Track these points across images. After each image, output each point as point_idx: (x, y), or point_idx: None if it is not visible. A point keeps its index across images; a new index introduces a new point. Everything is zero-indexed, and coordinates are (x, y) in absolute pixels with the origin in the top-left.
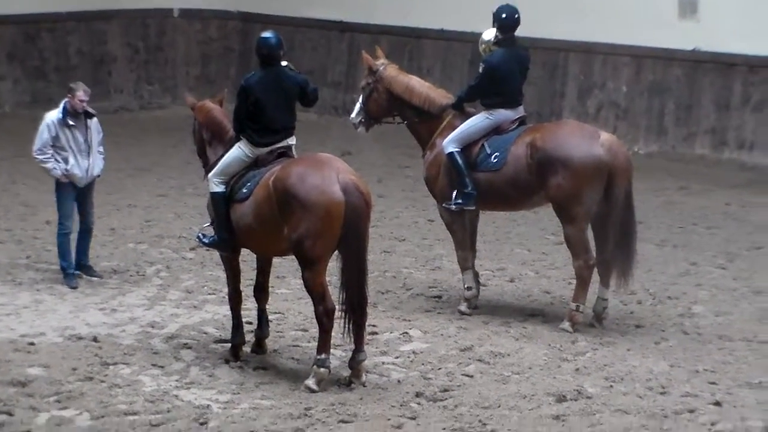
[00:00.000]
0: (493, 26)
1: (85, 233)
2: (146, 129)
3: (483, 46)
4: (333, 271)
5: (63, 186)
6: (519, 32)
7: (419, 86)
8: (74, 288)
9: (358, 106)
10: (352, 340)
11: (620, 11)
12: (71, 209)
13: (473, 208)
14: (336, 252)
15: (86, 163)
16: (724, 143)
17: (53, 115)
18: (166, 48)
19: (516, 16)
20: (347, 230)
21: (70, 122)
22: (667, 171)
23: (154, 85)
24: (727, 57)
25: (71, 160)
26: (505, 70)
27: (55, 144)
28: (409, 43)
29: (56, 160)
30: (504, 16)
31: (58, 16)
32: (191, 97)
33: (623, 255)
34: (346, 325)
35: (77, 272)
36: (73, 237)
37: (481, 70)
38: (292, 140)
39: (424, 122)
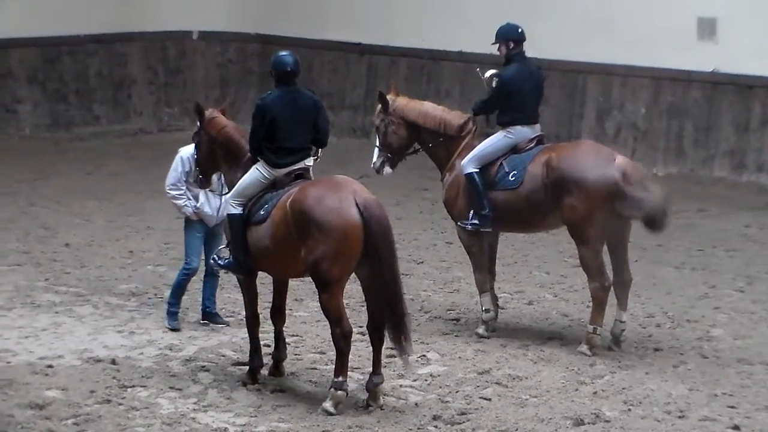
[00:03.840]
0: (496, 43)
1: (212, 276)
2: (166, 151)
3: (487, 78)
4: (350, 293)
5: (192, 224)
6: (538, 54)
7: (433, 110)
8: (175, 330)
9: (376, 150)
10: (400, 359)
11: (639, 33)
12: (199, 248)
13: (489, 229)
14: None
15: (217, 202)
16: (743, 165)
17: (187, 150)
18: (185, 70)
19: (520, 30)
20: (376, 247)
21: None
22: (686, 193)
23: (173, 108)
24: (746, 79)
25: (201, 198)
26: (518, 84)
27: (187, 179)
28: (428, 66)
29: (188, 197)
30: (510, 30)
31: (78, 39)
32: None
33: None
34: (393, 340)
35: (203, 321)
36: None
37: (493, 84)
38: (309, 161)
39: (442, 145)
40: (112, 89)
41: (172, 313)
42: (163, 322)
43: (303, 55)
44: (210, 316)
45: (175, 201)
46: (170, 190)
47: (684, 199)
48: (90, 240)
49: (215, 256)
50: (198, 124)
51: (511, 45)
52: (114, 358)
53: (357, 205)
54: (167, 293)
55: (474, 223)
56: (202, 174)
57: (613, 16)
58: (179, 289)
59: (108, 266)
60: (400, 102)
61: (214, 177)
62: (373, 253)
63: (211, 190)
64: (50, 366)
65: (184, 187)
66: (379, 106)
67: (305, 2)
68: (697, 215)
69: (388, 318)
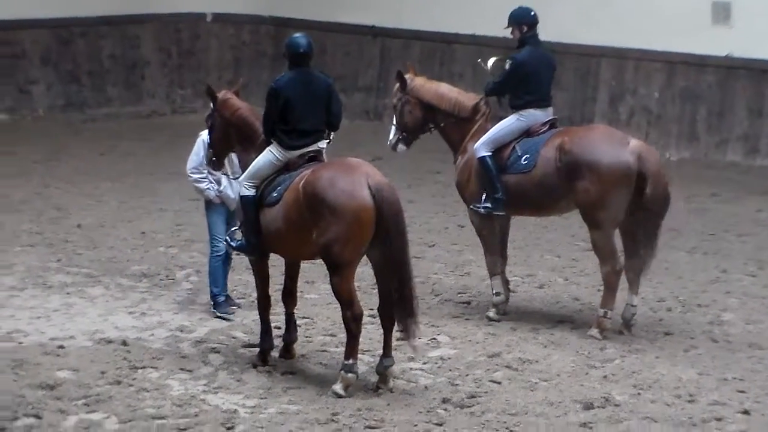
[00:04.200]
0: (509, 27)
1: (227, 258)
2: (178, 133)
3: (491, 67)
4: (362, 276)
5: (214, 207)
6: (551, 37)
7: (448, 91)
8: (226, 318)
9: (393, 127)
10: (408, 343)
11: (653, 17)
12: (223, 231)
13: (502, 213)
14: (374, 256)
15: (238, 185)
16: (756, 150)
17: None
18: (198, 52)
19: (533, 13)
20: (387, 230)
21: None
22: (699, 178)
23: (186, 90)
24: (761, 63)
25: (224, 182)
26: (532, 67)
27: (209, 163)
28: (441, 49)
29: (210, 180)
30: (524, 14)
31: (91, 21)
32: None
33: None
34: (400, 323)
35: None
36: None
37: (507, 67)
38: (322, 144)
39: (456, 126)
40: (125, 71)
41: (220, 302)
42: (213, 313)
43: (316, 38)
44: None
45: (197, 185)
46: (192, 173)
47: (697, 184)
48: (102, 221)
49: (228, 237)
50: (211, 106)
51: (525, 29)
52: (125, 339)
53: (369, 187)
54: (179, 274)
55: (487, 207)
56: (215, 156)
57: (627, 0)
58: (216, 274)
59: (120, 247)
60: (417, 82)
61: (234, 157)
62: (384, 236)
63: (226, 174)
64: (61, 347)
65: (206, 171)
66: (397, 85)
67: None
68: (709, 200)
69: (397, 301)
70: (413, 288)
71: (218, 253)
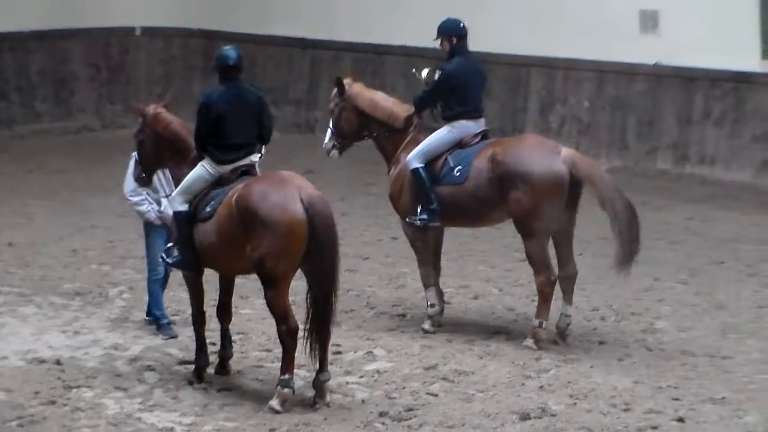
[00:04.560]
0: (438, 38)
1: (164, 279)
2: (109, 148)
3: (425, 77)
4: (296, 290)
5: (154, 229)
6: (481, 47)
7: (383, 101)
8: (171, 337)
9: (329, 131)
10: (317, 360)
11: (582, 26)
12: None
13: (437, 224)
14: (305, 270)
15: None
16: (686, 158)
17: None
18: (128, 67)
19: (462, 24)
20: (317, 245)
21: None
22: (629, 186)
23: (116, 105)
24: (689, 71)
25: (164, 202)
26: (461, 78)
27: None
28: (372, 60)
29: (149, 201)
30: (453, 25)
31: (19, 35)
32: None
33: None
34: (311, 345)
35: (149, 318)
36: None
37: (436, 77)
38: (255, 157)
39: (389, 137)
40: (54, 86)
41: (163, 325)
42: (159, 336)
43: (246, 50)
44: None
45: (137, 208)
46: (131, 196)
47: (627, 192)
48: (33, 239)
49: (163, 254)
50: (140, 122)
51: (454, 40)
52: (58, 358)
53: (302, 201)
54: (113, 292)
55: (423, 218)
56: (145, 172)
57: (556, 9)
58: (155, 298)
59: (51, 266)
60: (355, 89)
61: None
62: (316, 250)
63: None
64: None
65: (144, 193)
66: (335, 90)
67: None
68: (640, 208)
69: (315, 316)
70: (334, 308)
71: (157, 277)
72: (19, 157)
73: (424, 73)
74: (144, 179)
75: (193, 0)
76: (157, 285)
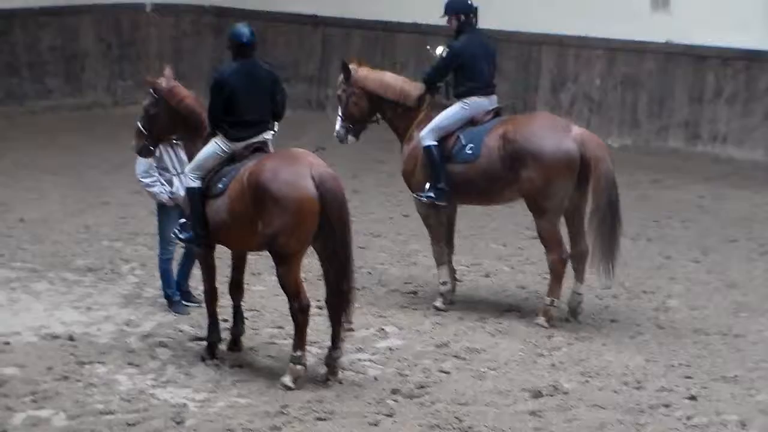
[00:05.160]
0: (445, 16)
1: (189, 256)
2: (120, 125)
3: (439, 54)
4: (308, 267)
5: (167, 210)
6: (492, 25)
7: (393, 80)
8: (183, 314)
9: (338, 119)
10: (332, 336)
11: (593, 4)
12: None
13: (444, 203)
14: (317, 247)
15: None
16: (697, 136)
17: None
18: (138, 43)
19: (470, 2)
20: (329, 222)
21: (174, 140)
22: (641, 164)
23: (127, 81)
24: (700, 50)
25: (176, 182)
26: (469, 55)
27: (159, 165)
28: (383, 38)
29: (161, 182)
30: (460, 2)
31: (30, 12)
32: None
33: (605, 244)
34: (333, 314)
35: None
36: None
37: (443, 54)
38: (268, 134)
39: (402, 115)
40: (64, 62)
41: (175, 302)
42: (171, 313)
43: (257, 28)
44: (184, 293)
45: (149, 189)
46: (143, 178)
47: (638, 171)
48: (45, 215)
49: (176, 229)
50: (153, 95)
51: (462, 17)
52: (71, 334)
53: (313, 178)
54: (125, 268)
55: (430, 196)
56: (152, 145)
57: None
58: (166, 276)
59: (63, 242)
60: (362, 73)
61: (183, 155)
62: (327, 227)
63: (164, 169)
64: (7, 343)
65: (156, 174)
66: (341, 76)
67: None
68: (652, 186)
69: (333, 291)
70: (352, 281)
71: (168, 256)
72: (30, 133)
73: (439, 50)
74: (148, 150)
75: None
76: (167, 263)
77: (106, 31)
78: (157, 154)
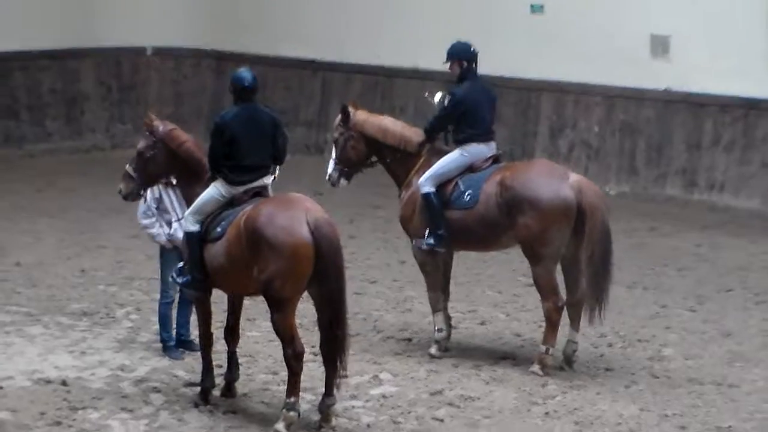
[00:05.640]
0: (448, 62)
1: (187, 302)
2: (119, 168)
3: (437, 101)
4: (303, 312)
5: (167, 252)
6: (492, 71)
7: (393, 125)
8: (177, 359)
9: (332, 162)
10: (326, 384)
11: (592, 51)
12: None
13: (443, 249)
14: (312, 293)
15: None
16: (695, 184)
17: None
18: (138, 86)
19: (472, 48)
20: (324, 268)
21: (167, 183)
22: (638, 212)
23: (126, 124)
24: (698, 97)
25: (175, 225)
26: (471, 102)
27: (159, 206)
28: (382, 82)
29: (160, 224)
30: (463, 49)
31: (30, 55)
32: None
33: (596, 293)
34: (326, 366)
35: (180, 349)
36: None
37: (445, 102)
38: (268, 179)
39: (401, 161)
40: (65, 105)
41: (170, 347)
42: (165, 356)
43: (258, 72)
44: (185, 343)
45: (147, 231)
46: (142, 219)
47: (636, 218)
48: (41, 259)
49: (174, 273)
50: (152, 136)
51: (464, 64)
52: (65, 379)
53: (308, 223)
54: (120, 312)
55: (430, 243)
56: (143, 188)
57: (567, 34)
58: (164, 320)
59: (59, 285)
60: (360, 116)
61: (166, 196)
62: (322, 273)
63: (164, 210)
64: (0, 387)
65: (155, 216)
66: (339, 118)
67: (260, 18)
68: (649, 234)
69: (327, 337)
70: (346, 328)
71: (168, 300)
72: (28, 176)
73: (437, 97)
74: (137, 195)
75: (205, 20)
76: (166, 308)
77: (107, 74)
78: (157, 195)
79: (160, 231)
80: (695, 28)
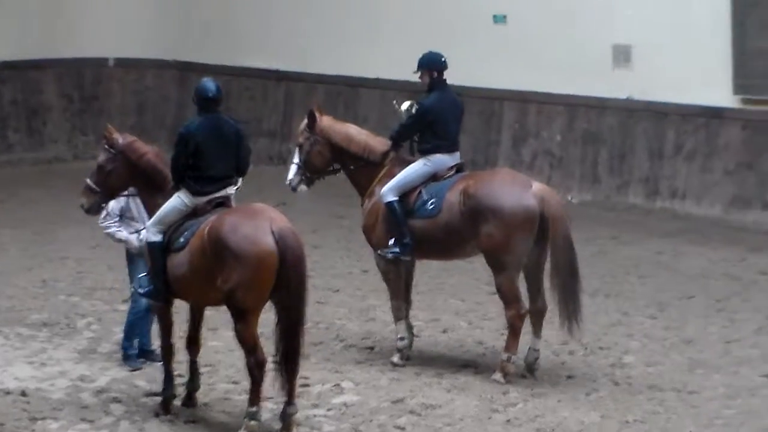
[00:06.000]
0: (418, 71)
1: (146, 312)
2: (80, 179)
3: (404, 110)
4: (264, 322)
5: (134, 261)
6: (455, 81)
7: (357, 134)
8: (137, 368)
9: (294, 166)
10: (285, 392)
11: (554, 60)
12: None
13: (408, 258)
14: (273, 301)
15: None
16: (657, 192)
17: None
18: (101, 97)
19: (443, 59)
20: (286, 277)
21: (128, 195)
22: (600, 220)
23: (88, 135)
24: (660, 106)
25: (143, 233)
26: (438, 113)
27: (125, 215)
28: (345, 92)
29: (116, 225)
30: (435, 59)
31: None
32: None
33: (568, 302)
34: (280, 377)
35: (141, 359)
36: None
37: (413, 111)
38: (231, 189)
39: (364, 170)
40: (26, 116)
41: (130, 356)
42: (125, 366)
43: (220, 82)
44: (147, 353)
45: (107, 232)
46: (101, 222)
47: (598, 226)
48: (2, 269)
49: (135, 284)
50: (110, 149)
51: (435, 74)
52: (24, 389)
53: (273, 233)
54: (81, 323)
55: (395, 251)
56: (104, 201)
57: (529, 43)
58: (132, 330)
59: (20, 296)
60: (326, 122)
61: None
62: (284, 282)
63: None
64: None
65: (115, 219)
66: (304, 123)
67: (222, 29)
68: (610, 242)
69: (285, 346)
70: (302, 342)
71: (137, 310)
72: None
73: (405, 105)
74: (98, 208)
75: (167, 31)
76: (135, 317)
77: (68, 85)
78: (123, 204)
79: (121, 228)
80: (657, 37)
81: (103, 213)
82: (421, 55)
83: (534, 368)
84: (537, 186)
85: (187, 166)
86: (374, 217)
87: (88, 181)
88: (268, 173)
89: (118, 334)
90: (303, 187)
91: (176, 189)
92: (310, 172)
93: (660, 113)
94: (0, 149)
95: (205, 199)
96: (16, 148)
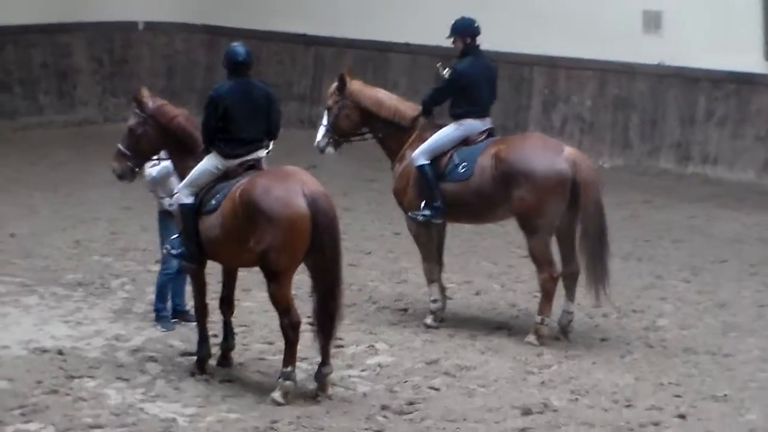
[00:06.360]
0: (451, 37)
1: (179, 273)
2: (111, 141)
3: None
4: (299, 283)
5: (166, 223)
6: (485, 45)
7: (388, 99)
8: (168, 329)
9: (322, 129)
10: (320, 353)
11: (585, 25)
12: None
13: (440, 221)
14: (308, 265)
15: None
16: (688, 157)
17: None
18: (131, 61)
19: (476, 24)
20: (320, 240)
21: (159, 158)
22: (632, 185)
23: (119, 98)
24: (691, 72)
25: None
26: (472, 78)
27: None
28: (375, 57)
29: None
30: (467, 25)
31: (22, 29)
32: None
33: (596, 267)
34: (317, 338)
35: (174, 320)
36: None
37: (446, 76)
38: (262, 152)
39: (394, 135)
40: (57, 79)
41: (163, 317)
42: (156, 327)
43: (250, 46)
44: (181, 314)
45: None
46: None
47: (630, 191)
48: (36, 230)
49: (168, 245)
50: (141, 113)
51: (468, 40)
52: (61, 348)
53: (305, 195)
54: (115, 283)
55: (425, 214)
56: (138, 165)
57: (560, 9)
58: (163, 291)
59: (54, 256)
60: (356, 86)
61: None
62: (318, 245)
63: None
64: None
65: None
66: (334, 86)
67: None
68: (643, 206)
69: (321, 308)
70: (340, 302)
71: (169, 271)
72: (21, 149)
73: (447, 70)
74: (132, 173)
75: None
76: (165, 278)
77: (98, 49)
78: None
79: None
80: (687, 3)
81: (147, 178)
82: (453, 21)
83: (568, 331)
84: (569, 150)
85: (217, 128)
86: (405, 180)
87: (119, 145)
88: (298, 137)
89: (152, 294)
90: (330, 150)
91: (207, 152)
92: (338, 135)
93: (691, 79)
94: (31, 112)
95: (236, 161)
96: (47, 111)
